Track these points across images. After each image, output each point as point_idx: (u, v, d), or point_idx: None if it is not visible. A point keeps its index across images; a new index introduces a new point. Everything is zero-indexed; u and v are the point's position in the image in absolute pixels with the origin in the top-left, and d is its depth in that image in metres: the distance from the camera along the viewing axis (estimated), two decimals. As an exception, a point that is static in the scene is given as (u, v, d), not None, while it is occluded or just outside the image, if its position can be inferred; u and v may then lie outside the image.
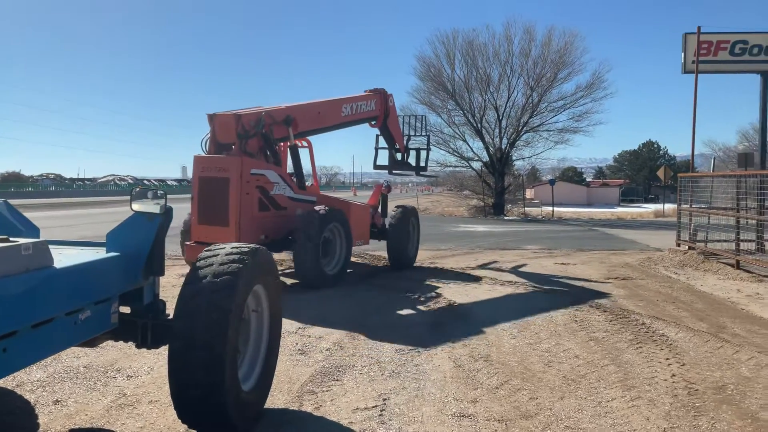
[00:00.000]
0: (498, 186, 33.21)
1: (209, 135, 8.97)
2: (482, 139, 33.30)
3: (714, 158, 22.41)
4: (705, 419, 4.13)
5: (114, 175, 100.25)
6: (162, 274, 3.86)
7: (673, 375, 5.08)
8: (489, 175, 34.28)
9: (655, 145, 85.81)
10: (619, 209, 49.78)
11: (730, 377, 5.05)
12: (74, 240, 4.28)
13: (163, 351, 3.73)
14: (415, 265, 11.64)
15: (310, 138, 11.22)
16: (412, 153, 13.21)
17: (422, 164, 13.26)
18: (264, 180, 8.77)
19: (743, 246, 12.21)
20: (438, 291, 8.83)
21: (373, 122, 12.15)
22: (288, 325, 6.80)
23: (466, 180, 38.87)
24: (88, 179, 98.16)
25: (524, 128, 33.43)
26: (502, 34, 33.27)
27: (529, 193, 49.84)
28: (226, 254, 3.63)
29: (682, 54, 15.90)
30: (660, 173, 41.92)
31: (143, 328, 3.80)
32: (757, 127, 57.11)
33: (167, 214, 3.84)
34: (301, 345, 5.82)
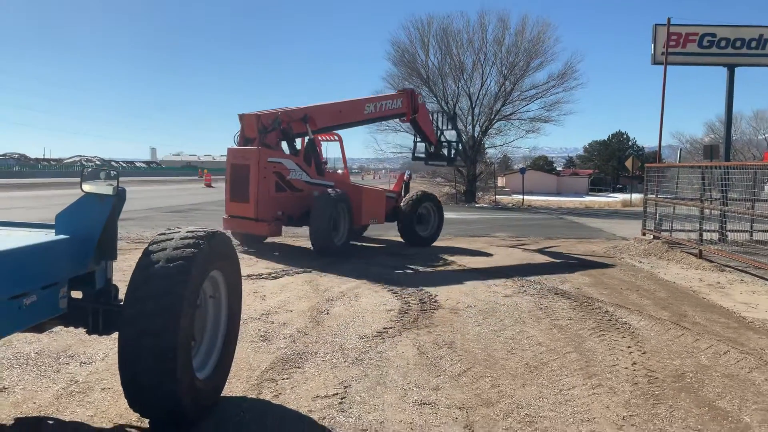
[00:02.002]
0: (470, 173, 33.32)
1: (239, 131, 11.20)
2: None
3: (680, 149, 22.77)
4: (663, 407, 4.16)
5: (81, 156, 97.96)
6: (114, 257, 3.71)
7: (634, 363, 5.12)
8: (460, 162, 34.34)
9: (624, 136, 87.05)
10: (588, 198, 50.52)
11: (689, 365, 5.11)
12: (23, 221, 4.09)
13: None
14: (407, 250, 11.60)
15: (339, 132, 13.18)
16: (445, 146, 14.53)
17: (453, 156, 14.75)
18: (281, 167, 10.84)
19: (706, 236, 12.44)
20: (410, 277, 8.78)
21: (402, 118, 13.79)
22: (259, 304, 6.72)
23: (442, 167, 38.89)
24: (54, 160, 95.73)
25: (497, 116, 33.55)
26: (476, 22, 33.27)
27: (500, 182, 50.20)
28: (181, 238, 3.50)
29: (652, 45, 16.05)
30: (628, 163, 42.54)
31: (94, 313, 3.66)
32: (722, 120, 58.47)
33: (120, 195, 3.68)
34: (263, 331, 5.71)
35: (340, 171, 13.11)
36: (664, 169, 14.42)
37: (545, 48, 32.67)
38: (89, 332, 3.70)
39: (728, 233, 13.50)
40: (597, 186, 74.27)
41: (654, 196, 13.87)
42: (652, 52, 16.06)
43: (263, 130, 10.80)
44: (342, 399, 4.12)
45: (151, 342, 3.20)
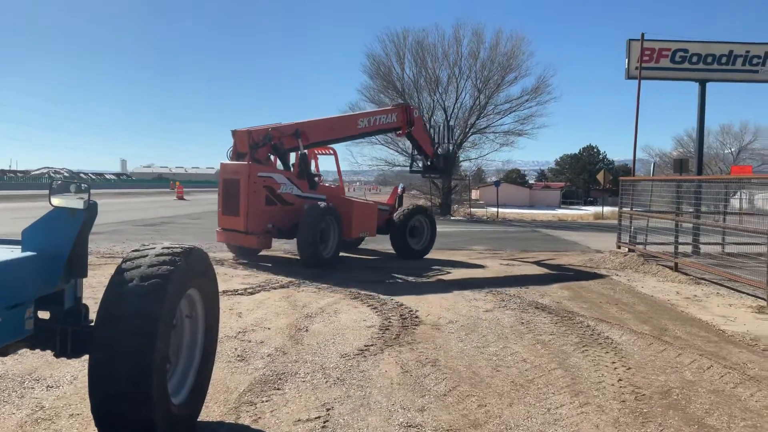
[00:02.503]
0: (445, 186, 33.38)
1: (232, 146, 11.40)
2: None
3: (654, 163, 23.15)
4: (653, 425, 4.09)
5: (49, 167, 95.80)
6: (85, 275, 3.51)
7: (620, 379, 5.05)
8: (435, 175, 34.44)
9: (595, 150, 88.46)
10: (560, 211, 51.05)
11: (674, 381, 5.06)
12: (-14, 237, 3.86)
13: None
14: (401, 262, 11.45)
15: (334, 147, 13.50)
16: (441, 158, 14.73)
17: (448, 168, 15.41)
18: (271, 181, 11.08)
19: (681, 249, 12.55)
20: (390, 291, 8.64)
21: (398, 132, 14.15)
22: (235, 322, 6.50)
23: (414, 180, 38.95)
24: (21, 171, 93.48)
25: (471, 130, 33.74)
26: (451, 36, 33.52)
27: (474, 194, 50.42)
28: (156, 255, 3.32)
29: (626, 60, 16.30)
30: (599, 177, 43.16)
31: (62, 335, 3.44)
32: (691, 134, 59.72)
33: (91, 209, 3.49)
34: (240, 350, 5.51)
35: (335, 185, 13.46)
36: (638, 182, 14.57)
37: (519, 62, 33.08)
38: (57, 355, 3.48)
39: (701, 246, 13.67)
40: (569, 199, 75.21)
41: (629, 209, 14.00)
42: (626, 66, 16.32)
43: (254, 146, 11.07)
44: (324, 422, 3.95)
45: (125, 366, 3.00)
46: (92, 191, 3.55)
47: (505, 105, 33.94)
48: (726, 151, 62.66)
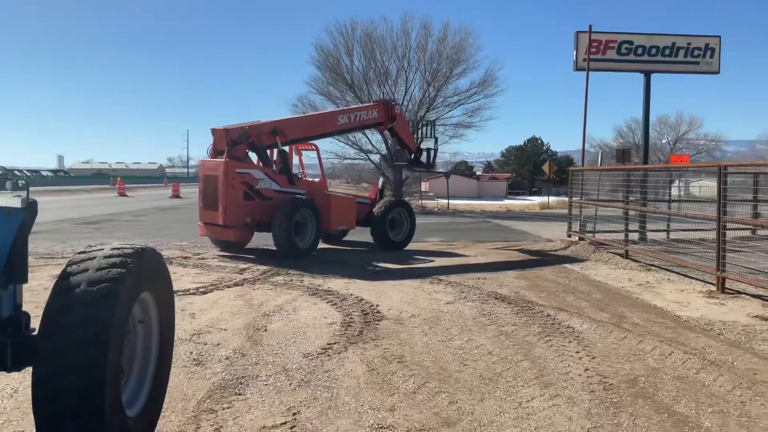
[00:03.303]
0: (396, 179, 33.33)
1: (212, 144, 11.95)
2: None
3: (601, 153, 23.67)
4: (625, 416, 4.06)
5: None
6: (24, 281, 3.19)
7: (587, 369, 5.04)
8: (387, 168, 34.33)
9: (539, 141, 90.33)
10: (507, 201, 51.91)
11: (639, 369, 5.08)
12: None
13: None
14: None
15: (315, 142, 14.04)
16: (424, 153, 15.11)
17: (432, 161, 15.42)
18: (249, 177, 11.52)
19: (629, 236, 12.84)
20: (347, 287, 8.45)
21: (379, 127, 14.60)
22: (188, 324, 6.16)
23: (365, 172, 38.79)
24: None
25: (421, 122, 33.73)
26: (399, 28, 33.32)
27: (424, 186, 50.67)
28: (105, 257, 3.03)
29: (574, 52, 16.55)
30: (545, 168, 44.07)
31: (1, 347, 3.12)
32: (630, 125, 61.56)
33: (31, 208, 3.18)
34: (196, 354, 5.22)
35: (317, 179, 13.72)
36: (585, 172, 14.84)
37: (467, 55, 33.17)
38: (-5, 369, 3.16)
39: (648, 233, 14.06)
40: (515, 190, 76.55)
41: (578, 198, 14.24)
42: (575, 58, 16.57)
43: (231, 143, 11.46)
44: (292, 428, 3.75)
45: (73, 380, 2.72)
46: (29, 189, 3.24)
47: (454, 98, 34.06)
48: (663, 141, 64.97)
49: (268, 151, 12.34)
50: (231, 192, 11.25)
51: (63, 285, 2.89)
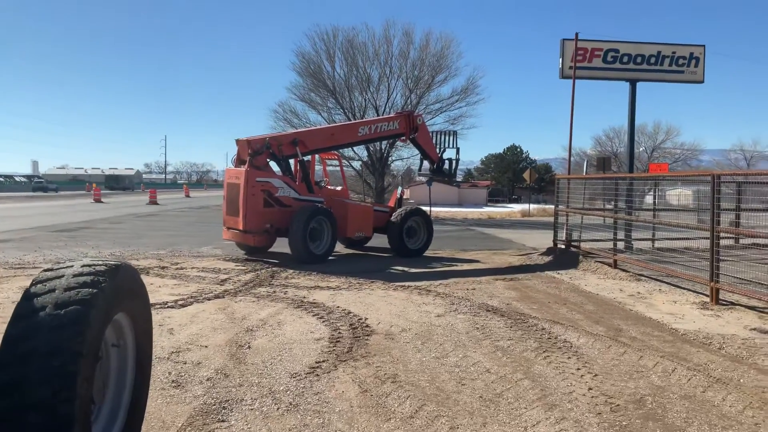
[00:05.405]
0: (378, 185, 33.09)
1: (236, 154, 12.59)
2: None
3: (587, 161, 23.64)
4: (638, 441, 3.81)
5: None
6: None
7: (590, 388, 4.79)
8: (369, 175, 34.08)
9: (518, 149, 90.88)
10: (487, 209, 51.94)
11: (644, 388, 4.85)
12: None
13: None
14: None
15: (337, 153, 14.89)
16: (446, 162, 15.37)
17: (454, 171, 15.78)
18: (269, 185, 12.10)
19: (612, 245, 12.70)
20: (333, 299, 8.13)
21: (401, 138, 15.00)
22: (166, 340, 5.78)
23: (347, 179, 38.44)
24: None
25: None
26: (381, 35, 33.16)
27: (405, 193, 50.49)
28: (75, 275, 2.69)
29: (560, 59, 16.47)
30: (526, 175, 44.22)
31: None
32: (609, 134, 62.21)
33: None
34: (175, 375, 4.86)
35: (338, 188, 14.36)
36: (570, 181, 14.70)
37: (449, 63, 33.11)
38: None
39: (633, 242, 13.95)
40: (495, 197, 76.85)
41: (564, 206, 14.09)
42: (560, 66, 16.49)
43: (252, 153, 12.03)
44: (281, 460, 3.43)
45: (38, 417, 2.38)
46: (1, 195, 2.89)
47: (436, 105, 33.93)
48: (640, 149, 65.73)
49: (291, 161, 12.93)
50: (251, 199, 11.82)
51: (26, 308, 2.56)
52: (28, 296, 2.60)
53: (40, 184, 68.19)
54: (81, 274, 2.71)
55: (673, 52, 16.70)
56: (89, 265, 2.81)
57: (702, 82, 17.02)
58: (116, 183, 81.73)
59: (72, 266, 2.80)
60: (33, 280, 2.70)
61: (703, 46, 17.10)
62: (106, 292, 2.71)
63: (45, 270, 2.78)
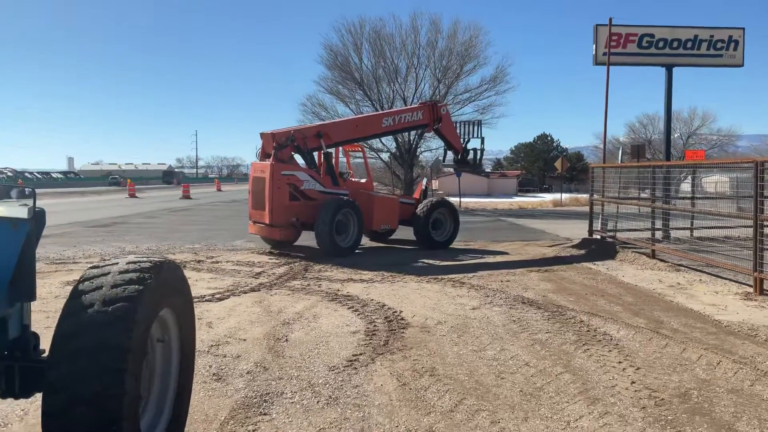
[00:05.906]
0: (407, 177, 33.03)
1: (260, 147, 12.52)
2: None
3: (621, 149, 23.19)
4: (685, 437, 3.73)
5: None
6: (32, 298, 2.91)
7: (633, 382, 4.70)
8: (398, 167, 34.04)
9: (549, 138, 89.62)
10: (518, 199, 51.46)
11: (689, 381, 4.74)
12: None
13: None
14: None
15: (361, 144, 14.66)
16: (471, 152, 15.17)
17: (479, 162, 15.62)
18: (294, 179, 12.00)
19: (650, 234, 12.43)
20: (367, 292, 8.14)
21: (425, 128, 14.99)
22: (206, 334, 5.84)
23: (375, 171, 38.45)
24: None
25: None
26: (408, 25, 33.03)
27: (434, 184, 50.27)
28: (120, 272, 2.73)
29: (594, 45, 16.14)
30: (558, 164, 43.53)
31: (8, 371, 2.84)
32: (642, 121, 60.93)
33: (38, 218, 2.90)
34: (215, 368, 4.92)
35: (363, 180, 14.26)
36: (606, 169, 14.43)
37: (477, 52, 32.85)
38: (2, 396, 2.88)
39: (671, 231, 13.64)
40: (525, 187, 75.98)
41: (600, 196, 13.85)
42: (594, 52, 16.16)
43: (277, 147, 11.95)
44: (324, 454, 3.44)
45: (87, 412, 2.43)
46: (39, 191, 2.95)
47: (464, 95, 33.71)
48: (675, 136, 64.23)
49: (315, 154, 12.78)
50: (277, 193, 11.74)
51: (74, 305, 2.60)
52: (76, 293, 2.65)
53: (115, 180, 78.57)
54: (127, 271, 2.75)
55: (711, 36, 16.21)
56: (134, 262, 2.85)
57: (741, 65, 16.51)
58: (171, 177, 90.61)
59: (117, 263, 2.84)
60: (80, 278, 2.75)
61: (743, 29, 16.57)
62: (152, 289, 2.74)
63: (91, 267, 2.82)
